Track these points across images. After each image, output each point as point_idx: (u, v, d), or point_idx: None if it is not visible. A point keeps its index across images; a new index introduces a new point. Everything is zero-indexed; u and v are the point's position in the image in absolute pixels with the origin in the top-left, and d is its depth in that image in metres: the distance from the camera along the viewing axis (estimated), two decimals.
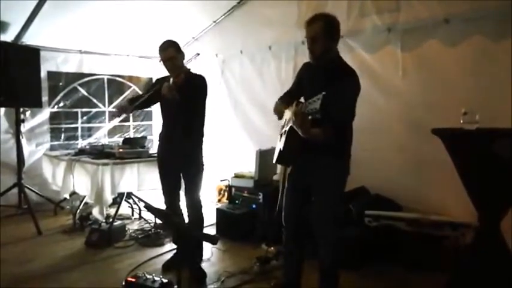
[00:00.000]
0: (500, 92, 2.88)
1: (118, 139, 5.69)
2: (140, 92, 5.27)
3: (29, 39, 4.55)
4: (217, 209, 4.00)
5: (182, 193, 3.07)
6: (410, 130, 3.44)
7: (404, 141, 3.48)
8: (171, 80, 2.91)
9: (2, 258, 3.24)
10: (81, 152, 4.21)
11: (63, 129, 5.47)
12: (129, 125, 6.16)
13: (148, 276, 2.30)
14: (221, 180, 4.71)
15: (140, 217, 4.48)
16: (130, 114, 5.65)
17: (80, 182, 3.88)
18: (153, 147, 4.45)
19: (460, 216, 2.99)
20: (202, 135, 3.04)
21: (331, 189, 2.31)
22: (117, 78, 5.91)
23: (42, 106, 4.72)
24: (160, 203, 3.09)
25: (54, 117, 5.31)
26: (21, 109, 4.47)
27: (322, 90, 1.88)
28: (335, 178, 2.32)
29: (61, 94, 5.33)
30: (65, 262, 3.27)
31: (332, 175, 2.29)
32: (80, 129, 5.60)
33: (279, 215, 2.57)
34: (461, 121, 2.29)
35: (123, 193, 3.99)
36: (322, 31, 2.20)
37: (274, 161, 2.49)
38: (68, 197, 4.33)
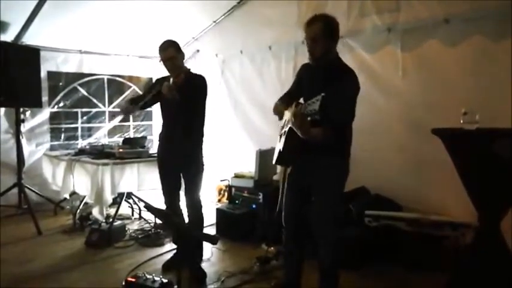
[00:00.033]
0: (500, 92, 2.88)
1: (118, 139, 5.69)
2: (140, 92, 5.26)
3: (29, 39, 4.55)
4: (217, 209, 4.00)
5: (182, 193, 3.07)
6: (410, 130, 3.44)
7: (404, 141, 3.48)
8: (171, 80, 2.91)
9: (2, 258, 3.24)
10: (81, 152, 4.21)
11: (63, 129, 5.47)
12: (129, 125, 6.16)
13: (148, 276, 2.30)
14: (221, 180, 4.71)
15: (140, 217, 4.48)
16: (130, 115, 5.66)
17: (80, 182, 3.88)
18: (153, 147, 4.44)
19: (460, 216, 2.99)
20: (202, 135, 3.03)
21: (331, 189, 2.32)
22: (117, 78, 5.91)
23: (42, 106, 4.72)
24: (160, 203, 3.09)
25: (54, 117, 5.31)
26: (21, 109, 4.47)
27: (322, 91, 1.88)
28: (335, 178, 2.32)
29: (61, 94, 5.33)
30: (65, 262, 3.27)
31: (332, 175, 2.29)
32: (80, 129, 5.59)
33: (279, 215, 2.57)
34: (461, 121, 2.29)
35: (123, 193, 3.99)
36: (322, 32, 2.20)
37: (274, 162, 2.49)
38: (68, 197, 4.33)
